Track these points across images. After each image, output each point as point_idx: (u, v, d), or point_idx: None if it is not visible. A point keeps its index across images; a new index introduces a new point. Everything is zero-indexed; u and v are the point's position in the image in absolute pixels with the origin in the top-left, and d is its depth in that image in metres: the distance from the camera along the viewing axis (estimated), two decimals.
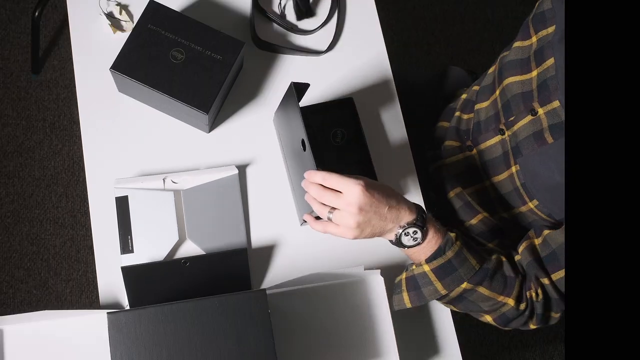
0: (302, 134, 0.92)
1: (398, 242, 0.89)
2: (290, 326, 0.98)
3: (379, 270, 0.99)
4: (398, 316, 1.01)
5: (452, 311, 1.03)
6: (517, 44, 1.00)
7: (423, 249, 0.90)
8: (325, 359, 0.98)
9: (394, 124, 1.11)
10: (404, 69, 1.52)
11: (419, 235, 0.88)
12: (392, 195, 0.87)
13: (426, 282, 0.91)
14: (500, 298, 0.92)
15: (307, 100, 1.07)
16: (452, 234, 0.90)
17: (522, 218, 1.04)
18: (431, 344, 1.02)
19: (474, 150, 1.08)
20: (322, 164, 0.97)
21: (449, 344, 1.02)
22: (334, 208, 0.86)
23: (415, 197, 1.07)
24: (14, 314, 0.92)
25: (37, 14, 1.72)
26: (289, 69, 1.12)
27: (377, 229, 0.87)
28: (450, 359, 1.02)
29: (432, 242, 0.89)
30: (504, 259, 0.94)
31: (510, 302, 0.92)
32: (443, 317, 1.03)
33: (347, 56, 1.14)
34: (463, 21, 2.03)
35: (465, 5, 2.04)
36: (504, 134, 1.01)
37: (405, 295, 0.94)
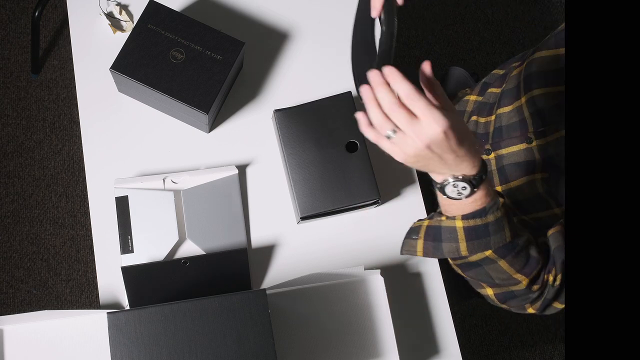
0: (355, 136, 0.98)
1: (440, 189, 0.82)
2: (290, 326, 0.98)
3: (379, 270, 0.99)
4: (398, 316, 1.01)
5: (452, 311, 1.03)
6: (549, 52, 0.97)
7: (464, 204, 0.82)
8: (325, 359, 0.98)
9: None
10: (404, 69, 1.52)
11: (466, 192, 0.80)
12: (465, 142, 0.76)
13: (451, 237, 0.84)
14: (516, 275, 0.87)
15: (305, 99, 1.07)
16: (502, 200, 0.83)
17: (541, 222, 1.03)
18: (431, 344, 1.02)
19: (492, 155, 1.07)
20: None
21: (449, 344, 1.02)
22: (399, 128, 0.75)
23: (415, 198, 1.07)
24: (14, 314, 0.92)
25: (37, 14, 1.72)
26: (288, 69, 1.12)
27: (431, 167, 0.79)
28: (450, 359, 1.02)
29: (477, 202, 0.82)
30: (532, 239, 0.89)
31: (525, 281, 0.87)
32: (443, 317, 1.03)
33: (347, 57, 1.14)
34: (463, 21, 2.03)
35: (465, 5, 2.04)
36: (531, 142, 0.99)
37: (420, 243, 0.88)
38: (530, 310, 0.91)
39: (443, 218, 0.85)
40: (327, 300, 1.00)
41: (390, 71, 0.74)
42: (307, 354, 0.98)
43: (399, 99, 0.73)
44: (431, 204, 1.14)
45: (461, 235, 0.83)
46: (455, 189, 0.80)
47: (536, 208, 1.02)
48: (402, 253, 0.90)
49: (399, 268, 1.04)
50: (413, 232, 0.89)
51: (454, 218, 0.83)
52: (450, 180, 0.79)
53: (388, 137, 0.76)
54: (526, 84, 1.00)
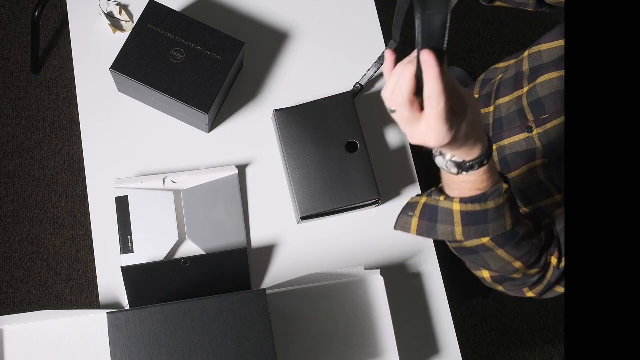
0: (355, 136, 1.00)
1: (433, 155, 0.77)
2: (290, 326, 0.98)
3: (379, 270, 0.99)
4: (398, 316, 1.01)
5: (451, 311, 1.03)
6: (556, 43, 0.96)
7: (463, 183, 0.77)
8: (325, 359, 0.98)
9: (393, 124, 1.11)
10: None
11: (453, 171, 0.75)
12: (464, 143, 0.71)
13: (447, 220, 0.80)
14: (515, 263, 0.83)
15: (305, 99, 1.07)
16: (505, 186, 0.77)
17: (542, 212, 1.03)
18: (431, 344, 1.02)
19: (494, 146, 1.06)
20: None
21: (449, 344, 1.02)
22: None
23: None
24: (14, 314, 0.92)
25: (37, 14, 1.72)
26: (288, 69, 1.12)
27: None
28: (450, 359, 1.02)
29: (476, 184, 0.76)
30: (534, 227, 0.86)
31: (523, 267, 0.84)
32: (443, 317, 1.03)
33: (347, 57, 1.13)
34: (463, 21, 2.03)
35: (465, 5, 2.04)
36: (531, 131, 0.99)
37: (414, 221, 0.83)
38: (530, 294, 0.88)
39: (441, 198, 0.80)
40: (327, 300, 1.00)
41: (429, 61, 0.63)
42: (307, 354, 0.98)
43: (417, 83, 0.65)
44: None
45: (457, 219, 0.79)
46: (444, 162, 0.75)
47: (538, 196, 1.01)
48: (395, 228, 0.86)
49: (399, 268, 1.04)
50: (409, 208, 0.84)
51: (452, 200, 0.79)
52: (439, 156, 0.75)
53: (391, 111, 0.69)
54: (532, 74, 1.00)
